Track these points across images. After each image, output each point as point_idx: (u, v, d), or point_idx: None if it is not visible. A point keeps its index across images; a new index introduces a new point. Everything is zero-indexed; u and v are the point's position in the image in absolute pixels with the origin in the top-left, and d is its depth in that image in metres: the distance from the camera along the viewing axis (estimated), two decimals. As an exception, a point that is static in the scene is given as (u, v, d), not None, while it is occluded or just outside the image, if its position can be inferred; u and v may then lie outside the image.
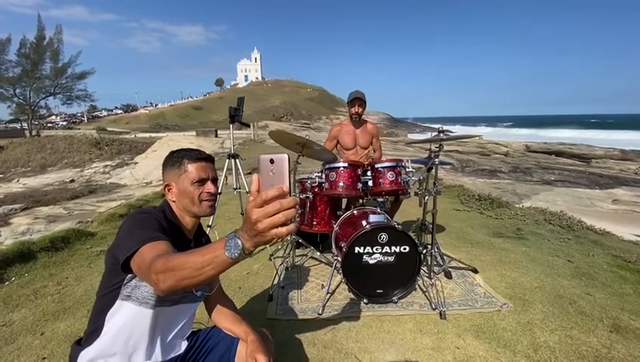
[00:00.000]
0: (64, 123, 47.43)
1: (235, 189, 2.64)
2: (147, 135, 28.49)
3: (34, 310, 2.00)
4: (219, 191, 1.13)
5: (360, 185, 2.29)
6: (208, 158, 1.10)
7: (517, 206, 4.50)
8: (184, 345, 1.10)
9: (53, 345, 1.69)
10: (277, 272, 2.36)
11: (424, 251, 2.44)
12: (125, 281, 0.94)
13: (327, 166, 2.32)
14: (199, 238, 1.17)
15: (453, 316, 1.98)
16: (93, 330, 0.96)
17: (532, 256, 2.87)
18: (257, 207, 0.54)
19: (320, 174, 2.37)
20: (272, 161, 0.60)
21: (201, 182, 1.06)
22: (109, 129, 35.67)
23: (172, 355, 1.05)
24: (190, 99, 76.24)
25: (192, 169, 1.05)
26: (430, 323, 1.92)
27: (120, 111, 66.22)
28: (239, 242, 0.58)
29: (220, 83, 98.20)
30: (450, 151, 20.61)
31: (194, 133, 21.14)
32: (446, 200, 4.93)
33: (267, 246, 2.79)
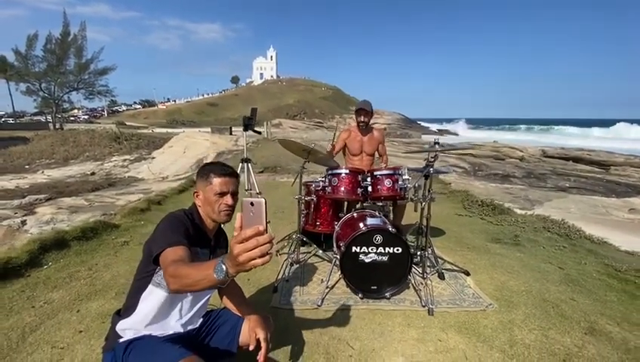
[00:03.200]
0: (85, 117, 49.18)
1: (247, 190, 2.88)
2: (164, 130, 29.28)
3: (70, 291, 2.29)
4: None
5: (360, 190, 2.50)
6: (232, 174, 1.33)
7: (519, 213, 4.59)
8: (200, 321, 1.35)
9: (88, 321, 1.97)
10: (282, 267, 2.59)
11: (418, 253, 2.64)
12: (157, 270, 1.18)
13: (330, 172, 2.54)
14: (218, 237, 1.40)
15: (440, 313, 2.17)
16: (130, 306, 1.21)
17: (525, 262, 3.01)
18: (238, 243, 0.72)
19: (324, 179, 2.59)
20: (252, 204, 0.75)
21: (222, 194, 1.28)
22: (127, 123, 36.81)
23: (189, 328, 1.30)
24: (206, 95, 77.56)
25: (215, 182, 1.27)
26: (418, 318, 2.11)
27: (139, 107, 68.10)
28: (224, 267, 0.79)
29: (235, 80, 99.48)
30: (464, 154, 20.43)
31: (209, 129, 21.66)
32: (450, 205, 5.07)
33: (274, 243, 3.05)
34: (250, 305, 1.44)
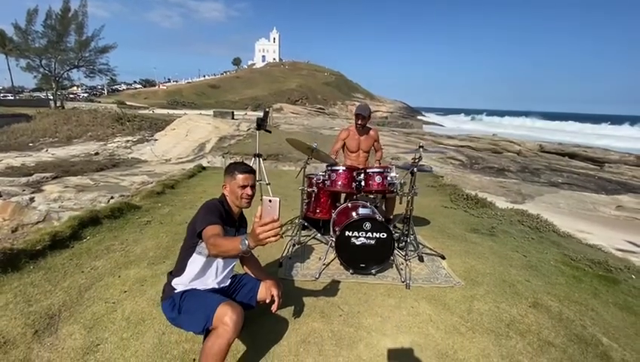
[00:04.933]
0: (85, 94, 48.92)
1: (258, 181, 3.32)
2: (165, 111, 29.42)
3: (109, 260, 2.74)
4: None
5: (354, 185, 2.94)
6: (251, 171, 1.76)
7: (501, 207, 5.05)
8: (229, 281, 1.80)
9: (130, 283, 2.43)
10: (286, 247, 3.05)
11: (403, 238, 3.10)
12: (199, 243, 1.62)
13: (330, 168, 2.97)
14: (241, 220, 1.85)
15: (415, 288, 2.64)
16: (180, 268, 1.66)
17: (495, 250, 3.48)
18: (259, 226, 1.14)
19: (324, 174, 3.03)
20: (270, 201, 1.16)
21: (244, 187, 1.71)
22: (128, 103, 36.80)
23: (222, 286, 1.75)
24: (207, 77, 76.77)
25: (239, 178, 1.71)
26: (397, 290, 2.58)
27: (139, 86, 67.50)
28: (247, 242, 1.22)
29: (237, 62, 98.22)
30: (462, 146, 20.81)
31: (211, 112, 21.84)
32: (438, 197, 5.52)
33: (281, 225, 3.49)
34: (265, 271, 1.91)
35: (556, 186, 12.17)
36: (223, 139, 14.17)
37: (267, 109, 3.26)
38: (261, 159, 3.27)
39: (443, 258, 3.19)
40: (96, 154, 13.37)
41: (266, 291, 1.74)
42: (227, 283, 1.79)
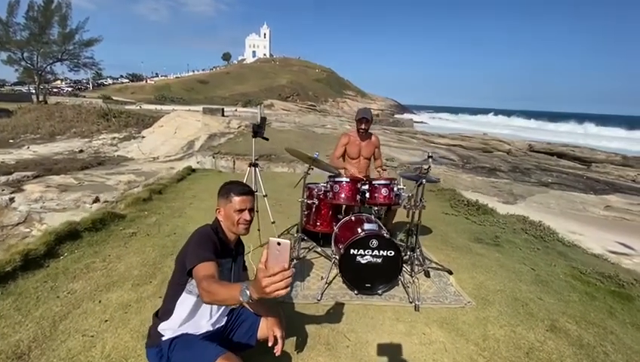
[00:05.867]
0: (69, 89, 47.35)
1: (254, 191, 3.08)
2: (152, 107, 28.63)
3: (89, 282, 2.48)
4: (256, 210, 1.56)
5: (358, 197, 2.73)
6: (249, 192, 1.53)
7: (501, 213, 4.92)
8: (225, 319, 1.58)
9: (111, 311, 2.18)
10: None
11: (408, 253, 2.92)
12: (189, 280, 1.39)
13: (332, 179, 2.75)
14: (238, 246, 1.62)
15: (425, 309, 2.46)
16: (167, 310, 1.42)
17: (502, 263, 3.33)
18: (266, 277, 0.91)
19: (326, 184, 2.81)
20: (278, 244, 0.91)
21: (241, 211, 1.48)
22: (114, 98, 35.74)
23: (218, 326, 1.53)
24: (196, 72, 75.38)
25: (235, 201, 1.48)
26: (406, 313, 2.40)
27: (126, 81, 65.79)
28: (248, 293, 0.99)
29: (227, 57, 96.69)
30: (454, 145, 20.88)
31: (200, 108, 21.33)
32: (437, 203, 5.37)
33: (277, 236, 3.26)
34: (265, 305, 1.68)
35: (546, 186, 12.25)
36: (212, 136, 13.77)
37: (264, 116, 3.00)
38: (257, 169, 3.03)
39: (450, 273, 3.02)
40: (81, 151, 12.85)
41: (267, 330, 1.52)
42: (223, 323, 1.56)
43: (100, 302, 2.26)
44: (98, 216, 3.36)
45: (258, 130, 2.85)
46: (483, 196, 8.06)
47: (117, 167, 9.82)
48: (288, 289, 0.94)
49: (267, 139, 3.03)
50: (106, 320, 2.08)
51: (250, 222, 1.53)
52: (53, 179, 7.33)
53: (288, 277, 0.92)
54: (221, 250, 1.44)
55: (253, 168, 3.03)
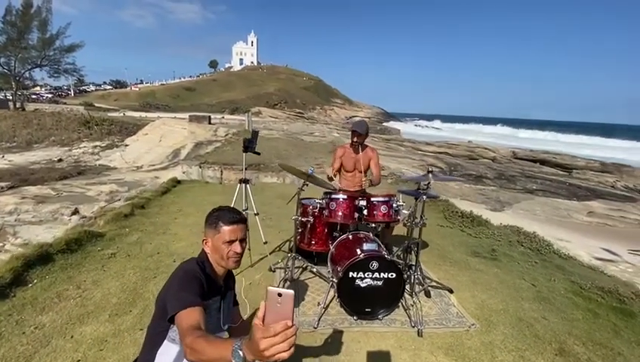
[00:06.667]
0: (49, 95, 45.87)
1: (244, 210, 2.89)
2: (137, 114, 27.98)
3: (60, 313, 2.23)
4: (247, 246, 1.38)
5: (356, 215, 2.59)
6: (240, 220, 1.35)
7: (495, 224, 4.87)
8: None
9: (84, 348, 1.94)
10: (278, 284, 2.64)
11: (408, 272, 2.78)
12: (171, 327, 1.20)
13: (329, 196, 2.60)
14: (227, 281, 1.44)
15: (428, 334, 2.32)
16: (147, 361, 1.23)
17: (502, 278, 3.24)
18: (265, 338, 0.72)
19: (322, 201, 2.65)
20: (279, 295, 0.73)
21: (230, 242, 1.30)
22: (96, 105, 34.81)
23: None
24: (182, 79, 74.50)
25: (224, 231, 1.30)
26: (409, 339, 2.25)
27: (109, 87, 64.36)
28: (241, 354, 0.79)
29: (214, 65, 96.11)
30: (440, 153, 21.16)
31: (186, 116, 20.92)
32: (432, 214, 5.28)
33: (268, 254, 3.06)
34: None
35: (531, 193, 12.49)
36: (199, 145, 13.47)
37: (256, 130, 2.84)
38: (249, 186, 2.85)
39: (451, 291, 2.90)
40: (60, 160, 12.34)
41: None
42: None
43: (72, 337, 2.02)
44: (73, 235, 3.09)
45: (249, 144, 2.69)
46: (472, 204, 8.10)
47: (98, 176, 9.42)
48: (292, 351, 0.77)
49: (259, 154, 2.87)
50: (79, 360, 1.85)
51: (242, 254, 1.36)
52: (29, 190, 6.95)
53: (292, 335, 0.75)
54: (208, 289, 1.26)
55: (243, 185, 2.85)
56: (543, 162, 20.46)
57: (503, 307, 2.72)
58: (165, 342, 1.21)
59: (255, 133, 2.76)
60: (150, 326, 1.26)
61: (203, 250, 1.36)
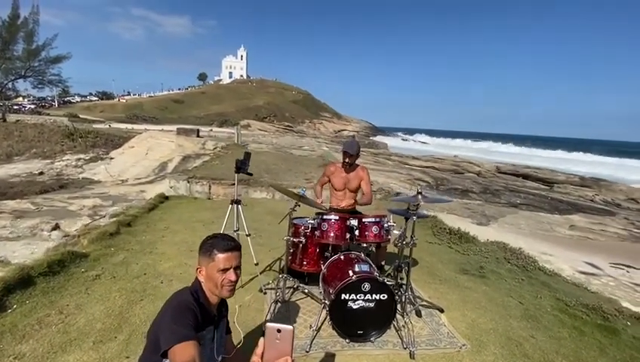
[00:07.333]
0: (32, 106, 44.79)
1: (235, 231, 2.87)
2: (123, 126, 27.58)
3: (41, 341, 2.13)
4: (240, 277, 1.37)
5: (348, 235, 2.61)
6: (235, 248, 1.35)
7: (481, 241, 4.96)
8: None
9: (67, 379, 1.86)
10: (269, 309, 2.61)
11: (399, 292, 2.79)
12: (163, 360, 1.17)
13: (321, 216, 2.62)
14: (220, 309, 1.42)
15: (420, 355, 2.32)
16: None
17: (490, 296, 3.28)
18: None
19: (313, 222, 2.67)
20: (278, 331, 0.75)
21: (225, 270, 1.30)
22: (81, 116, 34.17)
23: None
24: (171, 91, 74.18)
25: (219, 259, 1.30)
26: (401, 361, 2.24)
27: (95, 99, 63.41)
28: None
29: (203, 77, 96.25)
30: (427, 167, 21.56)
31: (174, 128, 20.72)
32: (420, 231, 5.34)
33: (258, 274, 3.02)
34: None
35: (515, 207, 12.82)
36: (187, 158, 13.32)
37: (249, 152, 2.86)
38: (240, 206, 2.84)
39: (441, 311, 2.92)
40: (41, 173, 12.00)
41: None
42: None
43: (53, 367, 1.94)
44: (56, 256, 2.99)
45: (242, 165, 2.69)
46: (458, 218, 8.25)
47: (81, 190, 9.17)
48: None
49: (251, 175, 2.87)
50: (60, 393, 1.77)
51: (236, 282, 1.35)
52: (7, 204, 6.71)
53: None
54: (202, 319, 1.24)
55: (235, 205, 2.84)
56: (526, 176, 21.10)
57: (493, 326, 2.75)
58: None
59: (247, 155, 2.78)
60: (141, 359, 1.23)
61: (197, 278, 1.35)
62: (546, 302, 3.26)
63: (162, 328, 1.14)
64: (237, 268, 1.34)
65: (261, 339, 0.79)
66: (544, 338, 2.65)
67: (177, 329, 1.11)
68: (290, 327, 0.79)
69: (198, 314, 1.22)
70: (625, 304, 3.48)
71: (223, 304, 1.46)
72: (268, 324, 0.80)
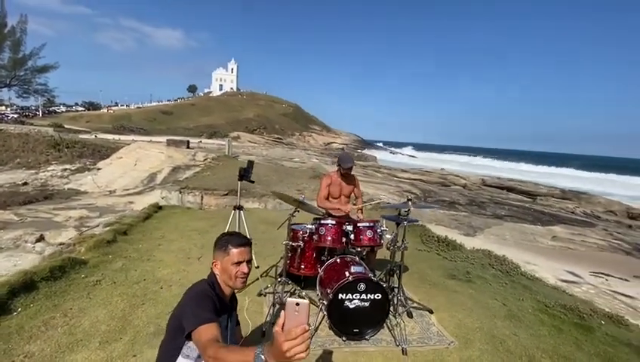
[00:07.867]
0: (15, 115, 43.82)
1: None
2: (110, 137, 27.22)
3: (48, 342, 2.19)
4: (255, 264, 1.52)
5: (344, 239, 2.78)
6: (247, 244, 1.51)
7: (468, 248, 5.19)
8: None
9: (77, 376, 1.94)
10: (269, 311, 2.73)
11: (392, 294, 2.96)
12: (185, 343, 1.31)
13: (318, 221, 2.79)
14: (232, 300, 1.57)
15: (412, 352, 2.47)
16: None
17: (476, 299, 3.48)
18: (287, 341, 0.86)
19: (311, 227, 2.83)
20: (297, 304, 0.89)
21: (238, 263, 1.45)
22: (66, 126, 33.60)
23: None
24: (160, 102, 73.78)
25: (233, 253, 1.44)
26: (395, 357, 2.39)
27: (81, 109, 62.48)
28: (263, 358, 0.91)
29: (193, 89, 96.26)
30: (415, 179, 22.01)
31: (162, 139, 20.63)
32: (410, 238, 5.51)
33: (259, 277, 3.13)
34: None
35: (500, 218, 13.22)
36: (177, 169, 13.29)
37: (252, 160, 3.02)
38: (242, 212, 2.98)
39: (431, 312, 3.09)
40: (25, 184, 11.79)
41: None
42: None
43: (62, 366, 2.01)
44: (56, 262, 3.04)
45: (245, 173, 2.85)
46: (446, 229, 8.51)
47: (67, 201, 9.04)
48: (309, 351, 0.93)
49: (253, 182, 3.03)
50: (72, 389, 1.85)
51: (248, 274, 1.50)
52: (-11, 216, 6.55)
53: (308, 338, 0.91)
54: (219, 307, 1.38)
55: (238, 211, 2.98)
56: (510, 189, 21.77)
57: (479, 325, 2.94)
58: (180, 358, 1.30)
59: (251, 163, 2.94)
60: (163, 345, 1.35)
61: (212, 271, 1.49)
62: (527, 303, 3.48)
63: (186, 313, 1.27)
64: (249, 262, 1.50)
65: (282, 312, 0.94)
66: (525, 336, 2.84)
67: (200, 313, 1.24)
68: (306, 301, 0.95)
69: (215, 302, 1.35)
70: (599, 305, 3.72)
71: (234, 298, 1.60)
72: (288, 299, 0.95)
